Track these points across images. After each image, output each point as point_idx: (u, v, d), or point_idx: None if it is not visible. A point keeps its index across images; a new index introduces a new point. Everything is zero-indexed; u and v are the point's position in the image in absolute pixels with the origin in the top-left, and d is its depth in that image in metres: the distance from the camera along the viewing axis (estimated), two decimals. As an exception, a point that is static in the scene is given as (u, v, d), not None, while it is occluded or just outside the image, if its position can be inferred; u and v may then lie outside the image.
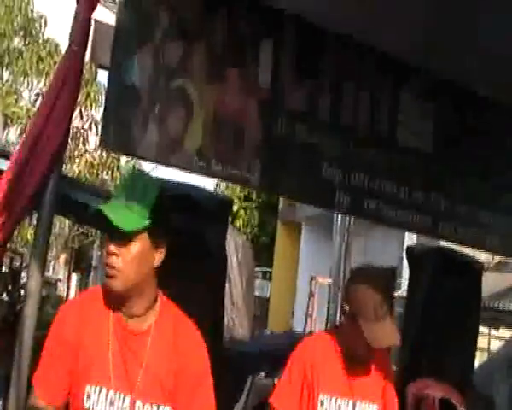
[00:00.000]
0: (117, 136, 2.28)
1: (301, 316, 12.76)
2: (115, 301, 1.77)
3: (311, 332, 3.98)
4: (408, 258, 3.96)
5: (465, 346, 3.86)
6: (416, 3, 2.43)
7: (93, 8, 2.07)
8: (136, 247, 1.72)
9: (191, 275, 2.68)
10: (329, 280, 12.67)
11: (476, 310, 3.91)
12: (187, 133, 2.42)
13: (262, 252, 14.63)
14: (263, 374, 4.27)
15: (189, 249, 2.64)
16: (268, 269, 14.88)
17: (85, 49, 2.08)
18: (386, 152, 2.99)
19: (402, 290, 5.65)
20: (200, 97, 2.44)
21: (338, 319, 2.77)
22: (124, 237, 1.70)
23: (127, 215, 1.71)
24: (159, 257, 1.77)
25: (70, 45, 2.06)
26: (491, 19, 2.44)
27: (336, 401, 2.37)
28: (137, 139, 2.32)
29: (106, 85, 2.37)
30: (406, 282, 4.05)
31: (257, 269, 11.34)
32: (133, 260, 1.72)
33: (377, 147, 2.96)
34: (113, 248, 1.71)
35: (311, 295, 11.25)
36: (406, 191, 3.06)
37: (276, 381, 4.49)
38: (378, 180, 2.96)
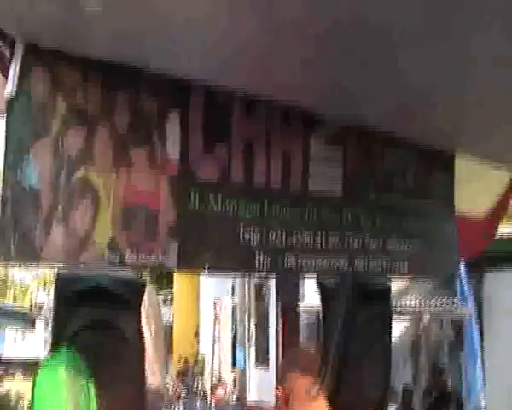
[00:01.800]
0: (18, 244, 2.03)
1: (207, 339, 12.71)
2: None
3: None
4: (320, 290, 3.94)
5: (382, 367, 3.91)
6: (317, 55, 2.35)
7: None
8: None
9: (110, 370, 2.49)
10: (233, 302, 12.74)
11: (389, 329, 3.97)
12: (95, 227, 2.21)
13: (162, 277, 14.41)
14: None
15: (105, 344, 2.47)
16: (169, 294, 14.70)
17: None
18: (300, 205, 2.93)
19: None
20: (106, 186, 2.23)
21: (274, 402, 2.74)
22: None
23: None
24: None
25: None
26: (395, 65, 2.42)
27: None
28: (41, 244, 2.08)
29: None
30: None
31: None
32: None
33: (291, 201, 2.88)
34: None
35: (216, 318, 11.21)
36: (323, 238, 3.04)
37: None
38: (295, 234, 2.90)
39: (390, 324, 3.96)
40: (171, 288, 14.66)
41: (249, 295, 11.22)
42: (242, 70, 2.39)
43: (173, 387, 12.62)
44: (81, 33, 2.03)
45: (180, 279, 14.63)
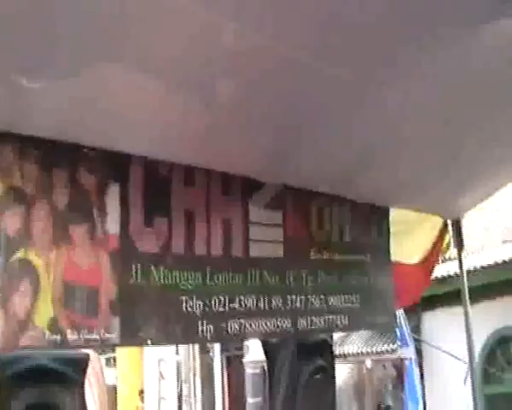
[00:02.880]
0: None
1: (153, 397, 12.40)
2: None
3: None
4: (264, 347, 3.96)
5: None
6: (251, 124, 2.40)
7: None
8: None
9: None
10: (178, 358, 12.49)
11: (332, 381, 4.00)
12: (35, 308, 2.15)
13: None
14: None
15: None
16: (111, 354, 14.32)
17: None
18: (242, 269, 2.93)
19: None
20: (46, 265, 2.18)
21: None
22: None
23: None
24: None
25: None
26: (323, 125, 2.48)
27: None
28: (-21, 331, 2.01)
29: None
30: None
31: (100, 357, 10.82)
32: None
33: (233, 267, 2.88)
34: None
35: (161, 377, 10.98)
36: (266, 301, 3.04)
37: None
38: (237, 299, 2.90)
39: (333, 376, 3.99)
40: (114, 348, 14.33)
41: (193, 351, 11.09)
42: (178, 143, 2.41)
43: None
44: (17, 112, 2.02)
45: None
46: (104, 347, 2.45)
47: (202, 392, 12.37)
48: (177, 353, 13.25)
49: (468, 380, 4.30)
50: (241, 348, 11.43)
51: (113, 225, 2.41)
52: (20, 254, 2.15)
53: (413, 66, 2.15)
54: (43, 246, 2.20)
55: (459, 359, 5.35)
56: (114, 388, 14.41)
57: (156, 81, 1.94)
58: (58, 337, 2.21)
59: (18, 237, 2.15)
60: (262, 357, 9.65)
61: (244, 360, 10.79)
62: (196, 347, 11.42)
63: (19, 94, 1.89)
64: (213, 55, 1.89)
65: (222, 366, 12.32)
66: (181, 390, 12.10)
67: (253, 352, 10.38)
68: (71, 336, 2.25)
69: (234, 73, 2.00)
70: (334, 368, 3.99)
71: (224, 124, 2.31)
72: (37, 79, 1.84)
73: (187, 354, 10.67)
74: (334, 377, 3.97)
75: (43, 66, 1.80)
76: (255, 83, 2.09)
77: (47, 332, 2.19)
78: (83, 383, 2.66)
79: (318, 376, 3.69)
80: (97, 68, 1.83)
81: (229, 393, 12.34)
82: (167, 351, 13.48)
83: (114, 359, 14.42)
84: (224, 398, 12.28)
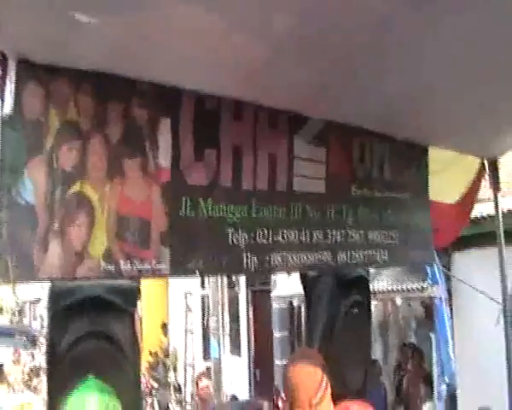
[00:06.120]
0: (16, 265, 2.01)
1: (178, 331, 12.61)
2: None
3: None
4: (302, 280, 4.01)
5: (363, 355, 3.99)
6: (300, 59, 2.39)
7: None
8: None
9: (109, 379, 2.49)
10: (204, 292, 12.69)
11: (369, 316, 4.06)
12: (91, 240, 2.20)
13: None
14: None
15: (101, 353, 2.50)
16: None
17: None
18: (285, 204, 2.98)
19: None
20: (100, 198, 2.22)
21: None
22: None
23: None
24: None
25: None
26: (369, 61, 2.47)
27: None
28: (39, 262, 2.07)
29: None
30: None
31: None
32: None
33: (277, 201, 2.93)
34: None
35: (189, 309, 11.16)
36: (307, 234, 3.09)
37: None
38: (281, 233, 2.95)
39: (369, 312, 4.06)
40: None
41: (221, 285, 11.24)
42: (230, 78, 2.42)
43: (144, 382, 12.57)
44: (73, 46, 2.03)
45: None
46: (155, 277, 2.50)
47: (229, 327, 12.60)
48: (202, 286, 13.43)
49: (501, 321, 4.33)
50: (266, 283, 11.59)
51: (164, 158, 2.44)
52: (76, 188, 2.18)
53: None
54: (98, 180, 2.24)
55: (493, 299, 5.35)
56: (140, 320, 14.75)
57: (217, 18, 1.93)
58: (112, 268, 2.27)
59: (74, 171, 2.18)
60: (289, 292, 9.79)
61: (272, 295, 10.95)
62: (224, 280, 11.57)
63: (75, 28, 1.89)
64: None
65: (248, 301, 12.50)
66: (207, 324, 12.32)
67: (281, 287, 10.54)
68: (124, 266, 2.31)
69: (289, 4, 1.98)
70: (370, 304, 4.06)
71: (274, 58, 2.30)
72: (95, 14, 1.84)
73: (214, 287, 10.82)
74: (370, 313, 4.04)
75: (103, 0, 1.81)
76: (309, 15, 2.07)
77: (102, 263, 2.24)
78: (134, 313, 2.73)
79: (355, 310, 3.76)
80: (159, 3, 1.82)
81: (254, 327, 12.56)
82: (193, 284, 13.68)
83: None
84: (249, 332, 12.50)
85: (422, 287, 7.64)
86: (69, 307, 2.53)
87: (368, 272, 4.13)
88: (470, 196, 4.48)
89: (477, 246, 7.01)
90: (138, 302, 2.78)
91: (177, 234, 2.50)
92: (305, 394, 2.41)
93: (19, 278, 2.06)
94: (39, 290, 20.55)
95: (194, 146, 2.54)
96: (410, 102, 2.96)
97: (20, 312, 25.35)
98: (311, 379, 2.43)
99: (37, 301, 23.44)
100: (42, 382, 16.11)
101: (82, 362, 2.43)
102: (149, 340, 13.63)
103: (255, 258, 2.81)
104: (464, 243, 6.73)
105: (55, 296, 2.56)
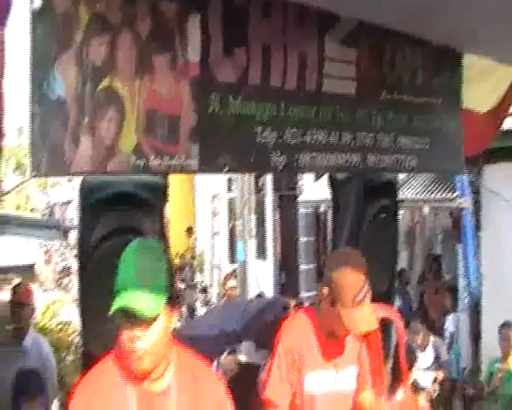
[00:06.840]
0: (49, 159, 2.05)
1: (205, 234, 12.74)
2: (136, 373, 1.77)
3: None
4: (331, 184, 4.02)
5: (389, 259, 4.04)
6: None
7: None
8: (159, 325, 1.74)
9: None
10: (230, 195, 12.69)
11: (395, 222, 4.08)
12: (121, 135, 2.23)
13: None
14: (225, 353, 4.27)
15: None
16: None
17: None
18: (315, 104, 2.95)
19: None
20: (130, 94, 2.23)
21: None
22: (145, 320, 1.71)
23: (147, 300, 1.70)
24: (175, 319, 1.82)
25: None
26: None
27: (320, 375, 2.63)
28: (70, 156, 2.10)
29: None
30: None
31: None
32: (159, 338, 1.74)
33: (306, 100, 2.91)
34: (138, 333, 1.71)
35: (216, 213, 11.25)
36: (336, 136, 3.09)
37: (239, 357, 4.54)
38: (309, 133, 2.95)
39: (396, 217, 4.08)
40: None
41: (249, 188, 11.25)
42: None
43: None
44: None
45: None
46: (184, 172, 2.53)
47: (256, 230, 12.73)
48: (229, 189, 13.47)
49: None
50: (293, 188, 11.62)
51: (193, 54, 2.42)
52: (105, 83, 2.19)
53: None
54: (128, 75, 2.24)
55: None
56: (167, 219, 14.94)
57: None
58: (142, 163, 2.30)
59: (104, 66, 2.18)
60: (316, 197, 9.78)
61: (298, 200, 11.00)
62: (251, 184, 11.60)
63: None
64: None
65: (274, 205, 12.56)
66: (233, 226, 12.42)
67: (307, 192, 10.57)
68: (154, 161, 2.33)
69: None
70: (397, 209, 4.07)
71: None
72: None
73: (241, 190, 10.86)
74: (397, 218, 4.05)
75: None
76: None
77: (132, 158, 2.27)
78: (163, 208, 2.77)
79: (383, 215, 3.77)
80: None
81: (280, 231, 12.68)
82: (220, 187, 13.73)
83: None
84: (275, 236, 12.63)
85: (451, 198, 7.58)
86: (100, 203, 2.58)
87: (396, 177, 4.12)
88: (502, 108, 4.38)
89: (508, 160, 6.90)
90: (167, 198, 2.81)
91: (206, 130, 2.51)
92: (350, 294, 2.48)
93: (51, 171, 2.11)
94: (70, 192, 20.87)
95: (224, 43, 2.51)
96: (447, 2, 2.86)
97: (51, 213, 25.85)
98: (356, 282, 2.50)
99: (68, 202, 23.82)
100: (72, 281, 16.67)
101: (112, 257, 2.50)
102: (177, 242, 13.85)
103: (283, 157, 2.83)
104: (495, 156, 6.63)
105: (86, 191, 2.61)
